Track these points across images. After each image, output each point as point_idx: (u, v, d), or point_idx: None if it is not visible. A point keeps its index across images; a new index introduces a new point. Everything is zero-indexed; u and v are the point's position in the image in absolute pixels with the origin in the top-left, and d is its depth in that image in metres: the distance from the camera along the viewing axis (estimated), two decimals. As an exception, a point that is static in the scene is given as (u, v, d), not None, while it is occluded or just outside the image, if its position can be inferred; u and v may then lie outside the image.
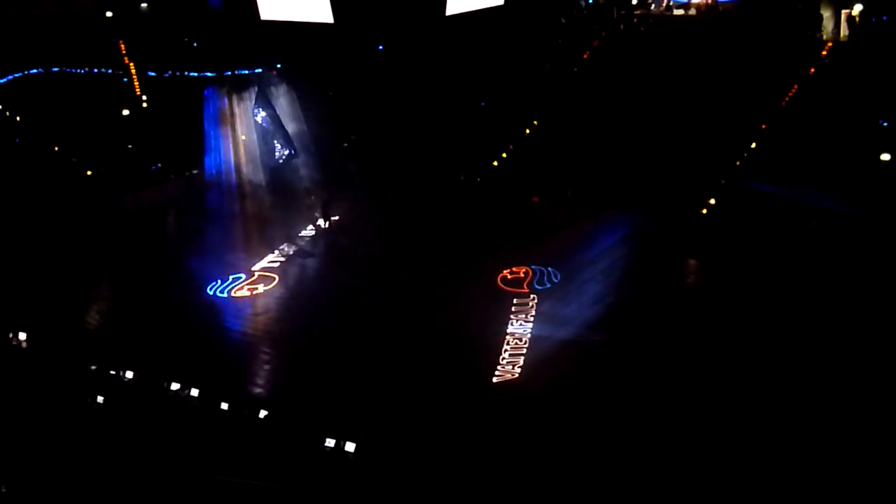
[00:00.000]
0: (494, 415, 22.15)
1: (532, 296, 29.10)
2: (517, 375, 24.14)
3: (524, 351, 25.40)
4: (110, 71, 43.38)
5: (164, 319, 28.21)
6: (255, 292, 30.63)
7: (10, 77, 40.57)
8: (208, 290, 30.41)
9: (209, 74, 42.05)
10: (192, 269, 31.58)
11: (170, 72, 43.27)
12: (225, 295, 30.26)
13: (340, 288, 31.20)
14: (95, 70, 43.10)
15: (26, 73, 40.97)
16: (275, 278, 31.69)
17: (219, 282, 30.86)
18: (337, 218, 37.22)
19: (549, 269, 30.70)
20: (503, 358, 25.00)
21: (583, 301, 28.21)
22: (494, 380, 23.94)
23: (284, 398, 23.23)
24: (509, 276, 30.73)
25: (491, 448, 20.59)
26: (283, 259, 33.58)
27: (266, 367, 25.68)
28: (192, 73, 42.57)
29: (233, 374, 24.62)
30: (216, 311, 29.23)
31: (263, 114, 42.00)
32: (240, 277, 31.39)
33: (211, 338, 27.18)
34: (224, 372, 24.57)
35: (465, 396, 23.01)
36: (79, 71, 42.83)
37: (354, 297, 29.91)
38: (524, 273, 30.81)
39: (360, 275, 31.99)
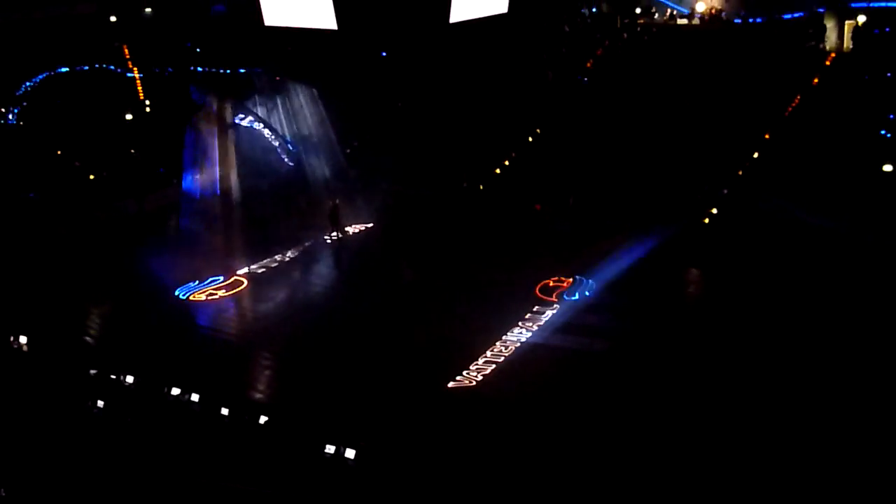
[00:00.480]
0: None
1: (555, 305, 28.48)
2: (475, 383, 23.71)
3: (501, 359, 25.09)
4: (112, 68, 43.54)
5: (159, 322, 28.24)
6: (209, 297, 30.28)
7: (26, 86, 40.71)
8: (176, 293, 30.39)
9: (199, 70, 42.02)
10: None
11: (169, 72, 43.41)
12: (184, 298, 30.18)
13: (330, 294, 31.19)
14: (98, 74, 43.21)
15: (35, 80, 41.04)
16: (243, 282, 31.53)
17: (196, 283, 30.86)
18: (364, 228, 36.94)
19: (590, 280, 29.86)
20: (475, 363, 24.68)
21: (595, 311, 27.91)
22: (450, 385, 23.62)
23: (285, 403, 23.15)
24: (551, 284, 29.91)
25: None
26: (274, 265, 33.39)
27: (267, 372, 25.59)
28: (195, 76, 42.69)
29: (234, 378, 24.55)
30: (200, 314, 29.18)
31: (251, 118, 41.78)
32: (217, 280, 31.26)
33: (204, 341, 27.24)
34: (223, 377, 24.50)
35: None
36: (84, 68, 42.95)
37: (352, 303, 29.86)
38: (568, 283, 29.89)
39: (360, 281, 31.99)
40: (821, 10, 41.08)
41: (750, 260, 30.86)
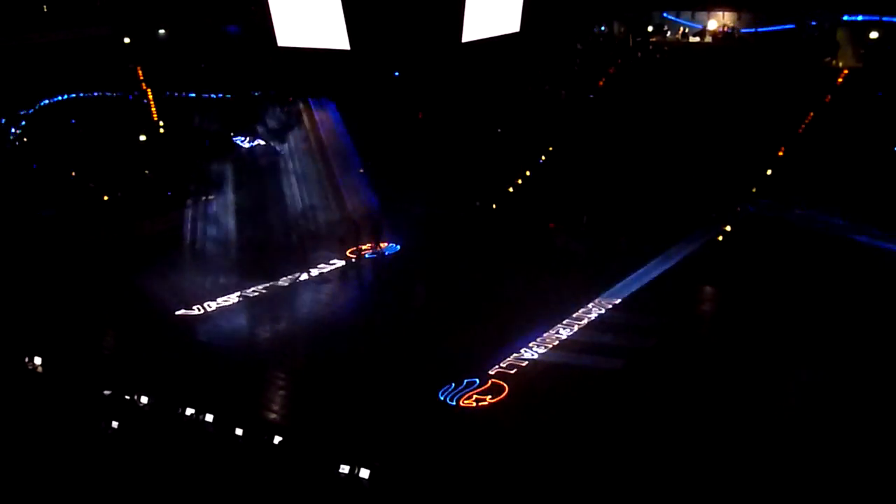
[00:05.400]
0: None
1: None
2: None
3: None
4: (129, 95, 43.87)
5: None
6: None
7: (38, 106, 40.94)
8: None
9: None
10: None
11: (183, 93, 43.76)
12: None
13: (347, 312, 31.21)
14: (113, 95, 43.51)
15: (50, 100, 41.25)
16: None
17: None
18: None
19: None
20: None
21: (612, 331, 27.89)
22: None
23: (299, 424, 23.08)
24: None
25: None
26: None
27: (281, 392, 25.54)
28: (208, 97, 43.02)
29: (248, 398, 24.49)
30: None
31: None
32: None
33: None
34: (240, 397, 24.45)
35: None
36: (101, 94, 43.24)
37: (368, 321, 29.89)
38: None
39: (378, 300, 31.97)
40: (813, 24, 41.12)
41: (759, 273, 30.87)
